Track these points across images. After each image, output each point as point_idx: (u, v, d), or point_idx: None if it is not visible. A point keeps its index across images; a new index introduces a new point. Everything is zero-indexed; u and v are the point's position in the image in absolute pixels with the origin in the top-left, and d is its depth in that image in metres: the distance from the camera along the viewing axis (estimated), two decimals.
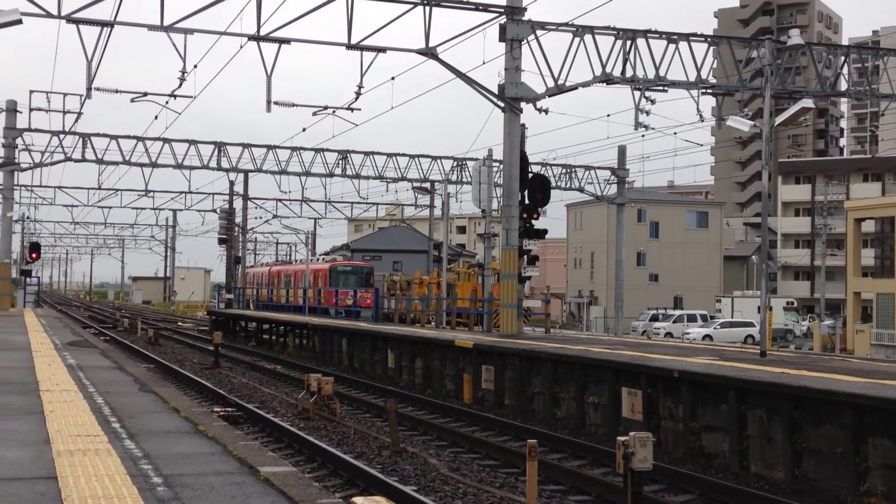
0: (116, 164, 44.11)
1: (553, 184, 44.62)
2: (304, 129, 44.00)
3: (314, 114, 33.98)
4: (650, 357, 17.60)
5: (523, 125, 26.97)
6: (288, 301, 54.85)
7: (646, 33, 27.64)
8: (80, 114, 39.57)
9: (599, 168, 48.07)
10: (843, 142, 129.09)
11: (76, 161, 42.96)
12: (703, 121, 30.20)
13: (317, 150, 46.68)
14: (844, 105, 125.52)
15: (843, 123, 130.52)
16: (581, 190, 47.88)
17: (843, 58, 30.22)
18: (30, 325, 29.98)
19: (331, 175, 47.46)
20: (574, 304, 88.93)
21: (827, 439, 12.30)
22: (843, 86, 30.71)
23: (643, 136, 37.67)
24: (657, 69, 27.61)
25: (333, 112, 33.51)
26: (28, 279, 56.95)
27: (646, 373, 15.82)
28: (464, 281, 45.22)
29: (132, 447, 8.10)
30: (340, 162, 46.91)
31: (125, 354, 31.19)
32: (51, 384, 12.80)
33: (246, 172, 53.30)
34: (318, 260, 60.94)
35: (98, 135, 43.18)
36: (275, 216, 69.93)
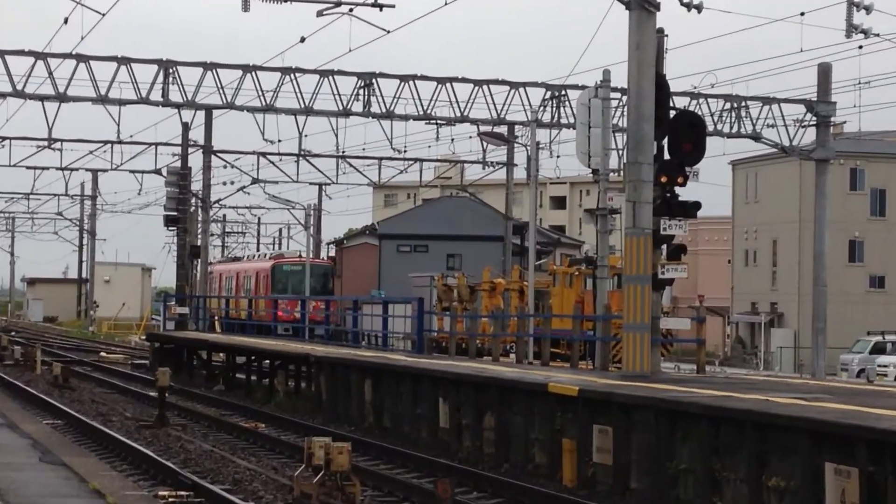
0: (2, 95, 44.67)
1: (710, 127, 44.34)
2: (302, 40, 43.12)
3: (319, 14, 34.11)
4: (872, 413, 17.41)
5: (661, 31, 26.80)
6: (276, 319, 55.23)
7: None
8: None
9: (786, 101, 47.53)
10: None
11: None
12: None
13: (323, 74, 46.87)
14: None
15: None
16: (756, 137, 47.43)
17: None
18: None
19: (346, 114, 47.61)
20: (744, 324, 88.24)
21: None
22: None
23: (860, 48, 37.01)
24: None
25: (350, 10, 33.62)
26: None
27: (866, 438, 15.66)
28: (563, 286, 45.12)
29: None
30: (362, 92, 47.06)
31: (17, 403, 31.66)
32: None
33: (209, 109, 53.63)
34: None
35: None
36: (255, 181, 70.37)
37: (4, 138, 61.39)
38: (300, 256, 71.83)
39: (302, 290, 61.97)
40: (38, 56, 44.09)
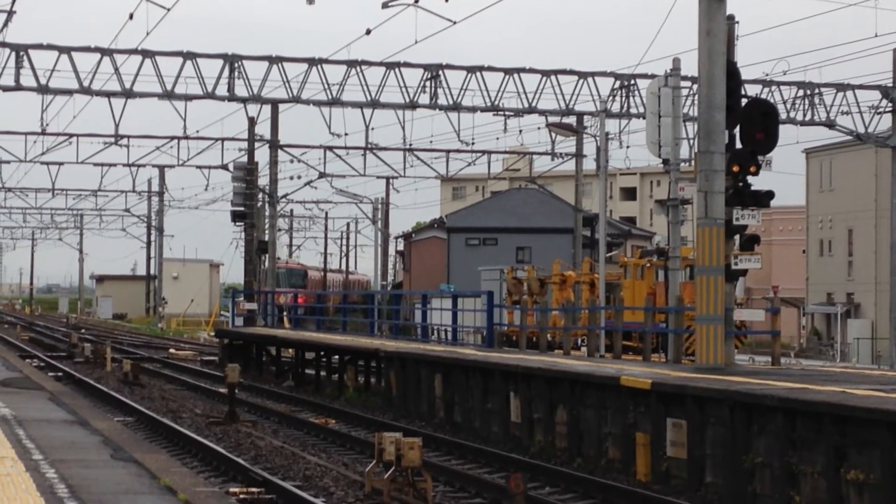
0: (69, 92, 45.11)
1: (782, 115, 44.08)
2: (367, 32, 43.31)
3: (385, 5, 34.24)
4: None
5: (731, 18, 26.69)
6: (346, 314, 55.47)
7: None
8: (10, 13, 40.62)
9: (861, 87, 47.18)
10: None
11: (5, 90, 44.15)
12: None
13: (389, 66, 47.00)
14: None
15: None
16: (830, 125, 47.12)
17: None
18: None
19: (413, 106, 47.73)
20: (820, 315, 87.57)
21: None
22: None
23: None
24: None
25: (416, 1, 33.69)
26: None
27: None
28: (634, 278, 45.02)
29: None
30: (428, 84, 47.16)
31: (88, 401, 32.00)
32: None
33: (274, 103, 53.93)
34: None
35: (39, 46, 44.26)
36: (322, 175, 70.66)
37: (72, 135, 61.92)
38: (287, 263, 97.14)
39: (284, 287, 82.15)
40: (104, 52, 44.45)
